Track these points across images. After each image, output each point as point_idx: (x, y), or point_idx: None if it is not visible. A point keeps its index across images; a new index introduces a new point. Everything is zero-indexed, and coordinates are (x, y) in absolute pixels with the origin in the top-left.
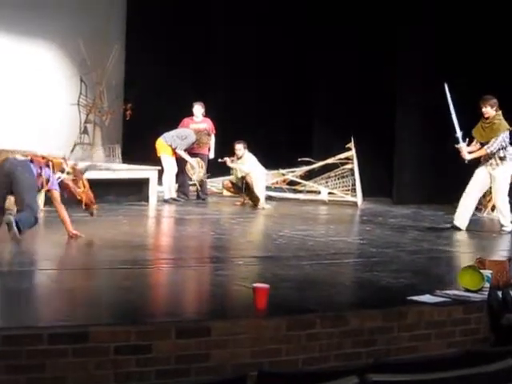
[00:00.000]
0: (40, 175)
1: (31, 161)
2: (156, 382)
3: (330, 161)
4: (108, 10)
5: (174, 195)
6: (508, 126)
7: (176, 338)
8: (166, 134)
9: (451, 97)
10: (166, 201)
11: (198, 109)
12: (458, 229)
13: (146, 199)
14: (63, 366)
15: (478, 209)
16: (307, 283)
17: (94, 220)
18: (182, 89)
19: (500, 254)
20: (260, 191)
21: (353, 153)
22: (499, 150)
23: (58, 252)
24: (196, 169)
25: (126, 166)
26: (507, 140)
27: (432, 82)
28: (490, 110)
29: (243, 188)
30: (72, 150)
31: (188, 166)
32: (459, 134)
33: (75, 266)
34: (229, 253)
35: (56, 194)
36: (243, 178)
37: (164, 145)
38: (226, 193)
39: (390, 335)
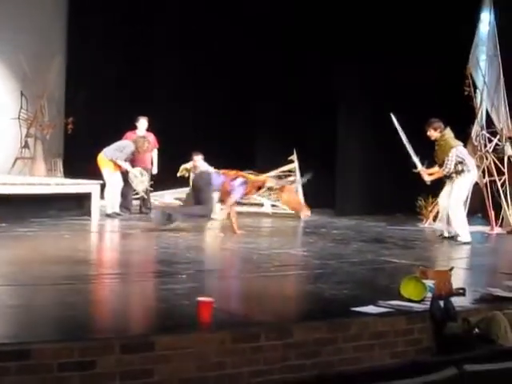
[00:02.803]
0: (223, 183)
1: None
2: None
3: (272, 173)
4: (49, 23)
5: (117, 209)
6: (454, 144)
7: (120, 354)
8: (105, 149)
9: (400, 124)
10: (108, 215)
11: (143, 123)
12: (452, 238)
13: (89, 214)
14: None
15: (420, 220)
16: (251, 296)
17: (35, 236)
18: (124, 103)
19: (442, 264)
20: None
21: (295, 165)
22: (456, 164)
23: None
24: (139, 178)
25: (67, 180)
26: (461, 155)
27: (369, 94)
28: (433, 133)
29: None
30: (13, 165)
31: (131, 176)
32: (415, 159)
33: (17, 283)
34: (173, 267)
35: (231, 202)
36: None
37: (105, 160)
38: None
39: (334, 346)
